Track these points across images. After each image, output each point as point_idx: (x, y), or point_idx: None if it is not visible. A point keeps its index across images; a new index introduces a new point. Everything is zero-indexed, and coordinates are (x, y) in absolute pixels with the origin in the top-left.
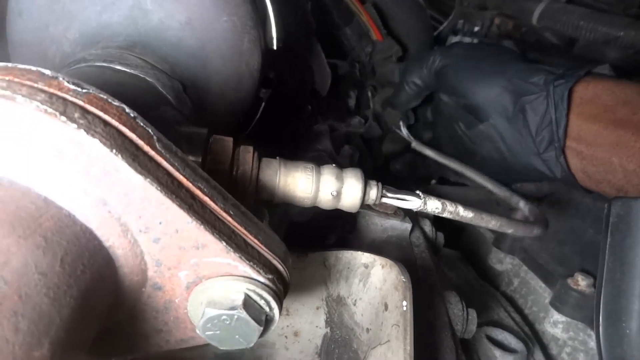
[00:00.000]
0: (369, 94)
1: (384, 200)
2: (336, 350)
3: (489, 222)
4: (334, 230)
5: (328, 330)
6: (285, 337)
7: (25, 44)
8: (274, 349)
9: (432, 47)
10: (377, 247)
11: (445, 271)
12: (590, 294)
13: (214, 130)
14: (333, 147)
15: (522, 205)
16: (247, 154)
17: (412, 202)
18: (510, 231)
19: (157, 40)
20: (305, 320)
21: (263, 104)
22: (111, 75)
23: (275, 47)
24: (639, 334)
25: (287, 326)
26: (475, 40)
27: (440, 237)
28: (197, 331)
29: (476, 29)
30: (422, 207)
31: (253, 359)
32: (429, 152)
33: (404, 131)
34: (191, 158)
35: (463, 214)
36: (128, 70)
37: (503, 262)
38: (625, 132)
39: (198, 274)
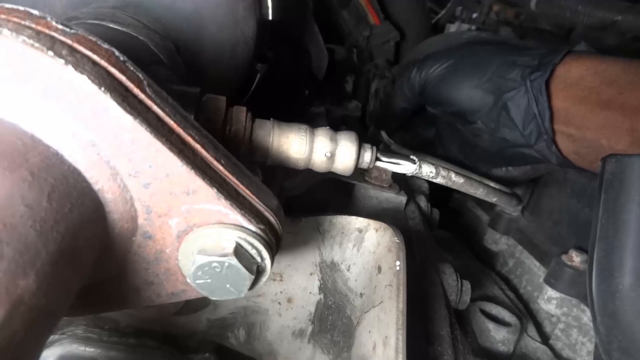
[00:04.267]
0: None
1: (378, 163)
2: (330, 317)
3: (477, 190)
4: (330, 204)
5: (322, 296)
6: (279, 303)
7: None
8: (267, 316)
9: (431, 34)
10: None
11: (440, 251)
12: (585, 270)
13: (208, 90)
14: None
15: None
16: (241, 113)
17: (407, 166)
18: (494, 200)
19: (151, 2)
20: (298, 287)
21: (259, 75)
22: (103, 31)
23: (270, 18)
24: (631, 289)
25: (281, 292)
26: (474, 27)
27: (436, 213)
28: (188, 280)
29: (474, 15)
30: (417, 172)
31: (246, 325)
32: (406, 153)
33: (384, 135)
34: None
35: (455, 179)
36: (120, 28)
37: (498, 243)
38: (612, 114)
39: (189, 222)
